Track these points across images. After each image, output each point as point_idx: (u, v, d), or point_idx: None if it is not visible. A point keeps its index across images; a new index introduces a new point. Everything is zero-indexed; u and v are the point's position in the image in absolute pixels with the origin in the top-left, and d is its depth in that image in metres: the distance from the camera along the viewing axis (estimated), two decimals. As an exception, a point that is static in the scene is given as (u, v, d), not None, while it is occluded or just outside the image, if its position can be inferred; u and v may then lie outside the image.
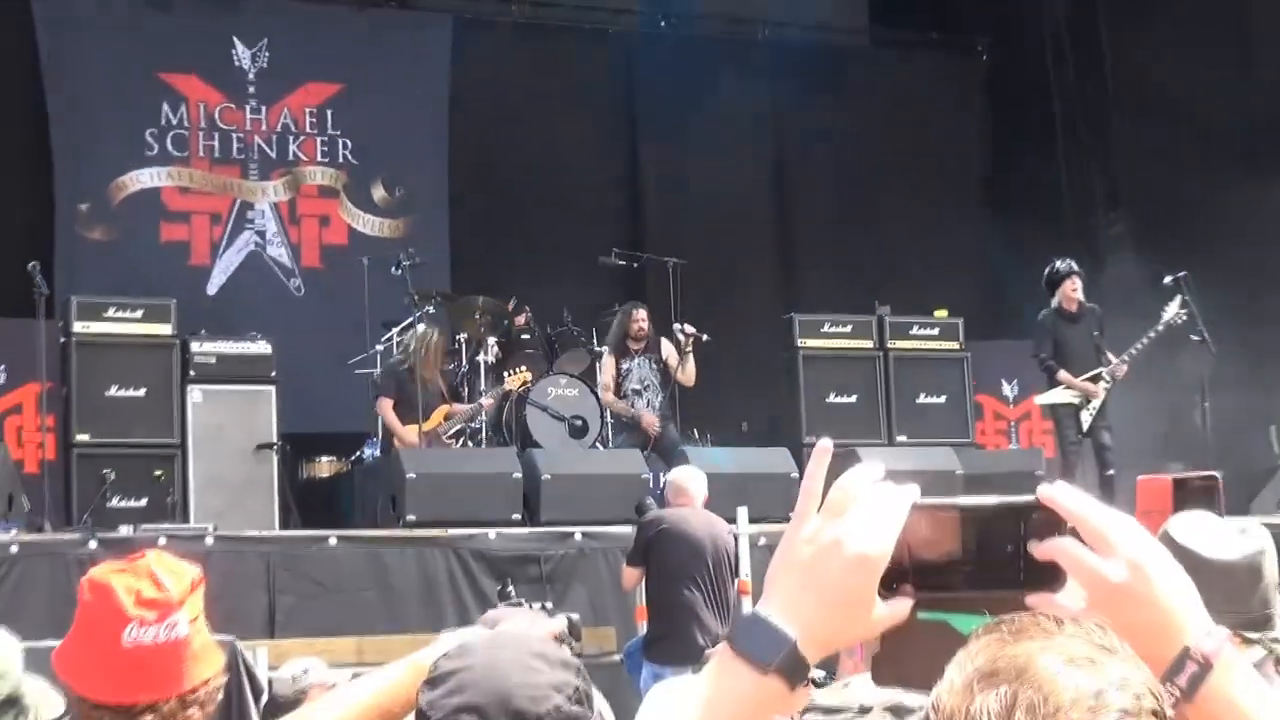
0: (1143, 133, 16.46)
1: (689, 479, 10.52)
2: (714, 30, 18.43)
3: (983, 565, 1.64)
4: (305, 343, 15.00)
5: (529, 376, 13.65)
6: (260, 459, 12.69)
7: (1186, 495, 1.76)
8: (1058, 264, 13.95)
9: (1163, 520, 1.75)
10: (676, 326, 14.03)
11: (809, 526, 1.66)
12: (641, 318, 14.02)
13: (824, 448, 1.70)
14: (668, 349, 14.06)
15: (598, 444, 13.77)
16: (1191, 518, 2.08)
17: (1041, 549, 1.63)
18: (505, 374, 13.63)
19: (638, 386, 14.01)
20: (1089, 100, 17.33)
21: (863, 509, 1.64)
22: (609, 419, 14.03)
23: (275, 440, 12.82)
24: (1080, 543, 1.64)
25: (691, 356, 13.95)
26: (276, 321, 14.42)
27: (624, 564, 10.55)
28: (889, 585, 1.64)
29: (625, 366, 14.00)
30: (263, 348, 13.07)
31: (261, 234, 16.71)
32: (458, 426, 13.45)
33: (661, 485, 11.85)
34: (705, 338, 13.97)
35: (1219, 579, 2.22)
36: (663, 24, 18.50)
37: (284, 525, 12.46)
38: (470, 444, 13.53)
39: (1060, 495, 1.65)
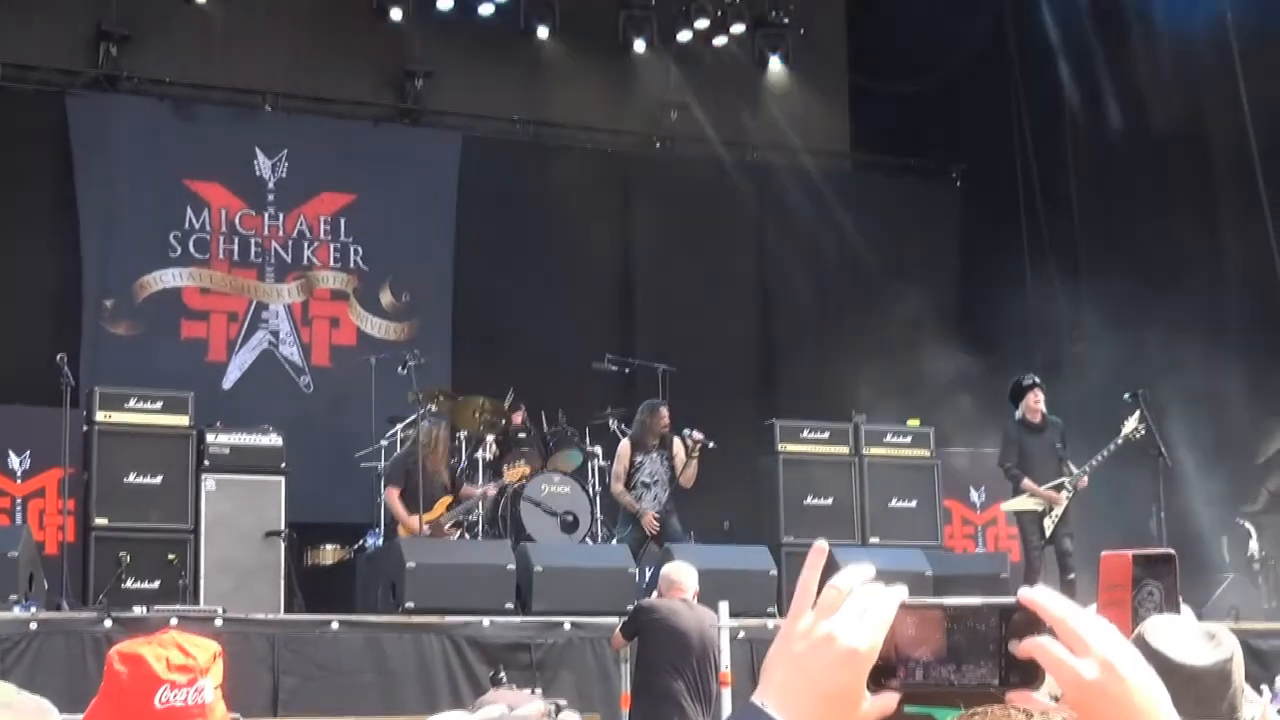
0: (1107, 259, 16.55)
1: (681, 573, 10.51)
2: (705, 151, 18.55)
3: (966, 662, 1.65)
4: (313, 437, 15.03)
5: (528, 470, 13.71)
6: (268, 545, 12.70)
7: (1146, 570, 1.77)
8: (1022, 378, 14.02)
9: (1124, 594, 1.75)
10: (685, 432, 14.00)
11: (803, 622, 1.68)
12: (666, 415, 14.03)
13: (820, 549, 1.73)
14: (678, 447, 14.05)
15: (588, 539, 13.78)
16: (1164, 621, 2.09)
17: (1021, 647, 1.64)
18: (505, 467, 13.69)
19: (648, 480, 13.98)
20: (1055, 226, 17.42)
21: (854, 607, 1.66)
22: (599, 514, 14.02)
23: (283, 528, 12.80)
24: (1058, 642, 1.65)
25: (695, 461, 13.93)
26: (287, 416, 14.43)
27: (617, 629, 10.58)
28: (877, 680, 1.66)
29: (639, 460, 13.94)
30: (274, 440, 13.11)
31: (275, 333, 16.77)
32: (459, 516, 13.41)
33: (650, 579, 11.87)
34: (711, 444, 13.95)
35: (1190, 683, 2.22)
36: (658, 145, 18.67)
37: (289, 609, 12.44)
38: (467, 536, 13.50)
39: (1041, 598, 1.65)
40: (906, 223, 17.18)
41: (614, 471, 14.00)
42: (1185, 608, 1.84)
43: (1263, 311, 15.73)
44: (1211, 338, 15.06)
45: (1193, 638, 2.42)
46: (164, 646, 3.25)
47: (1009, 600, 1.65)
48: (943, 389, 16.13)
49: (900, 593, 1.66)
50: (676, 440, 14.03)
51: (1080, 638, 1.65)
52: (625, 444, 14.09)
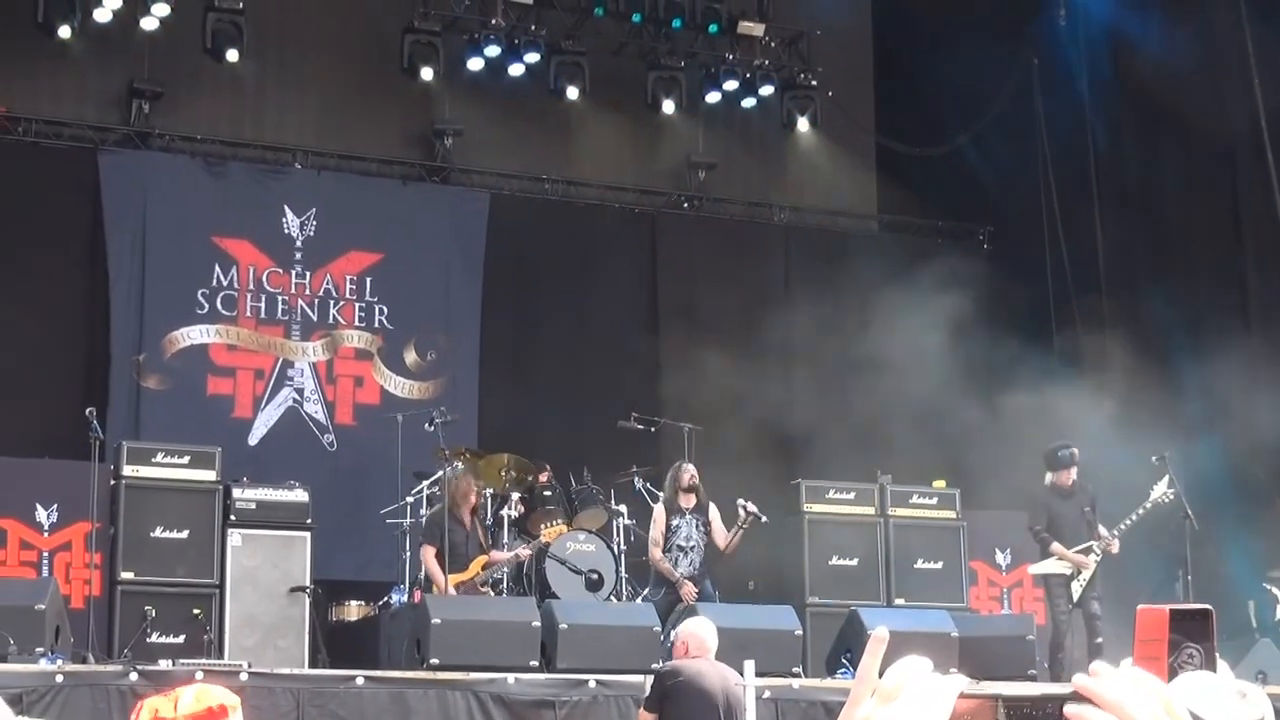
0: (1135, 318, 16.59)
1: (709, 632, 10.42)
2: (733, 212, 18.65)
3: None
4: (338, 494, 15.11)
5: (564, 529, 13.77)
6: (293, 601, 12.76)
7: (1182, 625, 1.76)
8: (1059, 448, 13.97)
9: (1160, 649, 1.77)
10: (740, 502, 13.92)
11: (863, 710, 1.67)
12: (691, 470, 13.99)
13: (880, 637, 1.70)
14: (714, 513, 14.00)
15: (612, 597, 13.82)
16: (1195, 679, 2.07)
17: (1071, 711, 1.63)
18: (543, 526, 13.75)
19: (683, 544, 13.90)
20: (1082, 286, 17.50)
21: (914, 696, 1.64)
22: (624, 572, 14.03)
23: (308, 584, 12.85)
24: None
25: (743, 533, 13.86)
26: (311, 473, 14.49)
27: (640, 709, 10.47)
28: None
29: (674, 523, 13.92)
30: (300, 495, 13.19)
31: (300, 391, 16.84)
32: (493, 576, 13.44)
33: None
34: (764, 519, 13.90)
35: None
36: (686, 205, 18.77)
37: (314, 665, 12.50)
38: (493, 594, 13.51)
39: (1096, 686, 1.63)
40: (933, 284, 17.13)
41: (651, 537, 13.95)
42: (1222, 664, 1.83)
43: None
44: (1239, 397, 15.04)
45: (1225, 696, 2.40)
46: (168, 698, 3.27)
47: (1067, 689, 1.65)
48: (969, 450, 16.11)
49: (960, 682, 1.66)
50: (713, 506, 14.00)
51: None
52: (660, 509, 14.04)
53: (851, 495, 15.07)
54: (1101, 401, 16.47)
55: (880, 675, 1.67)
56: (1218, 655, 1.82)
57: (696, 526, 13.94)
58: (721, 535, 13.90)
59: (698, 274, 17.56)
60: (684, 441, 14.91)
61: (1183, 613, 1.79)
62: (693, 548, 13.91)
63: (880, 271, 17.49)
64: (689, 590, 13.69)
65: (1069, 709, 1.64)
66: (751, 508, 13.82)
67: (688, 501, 13.98)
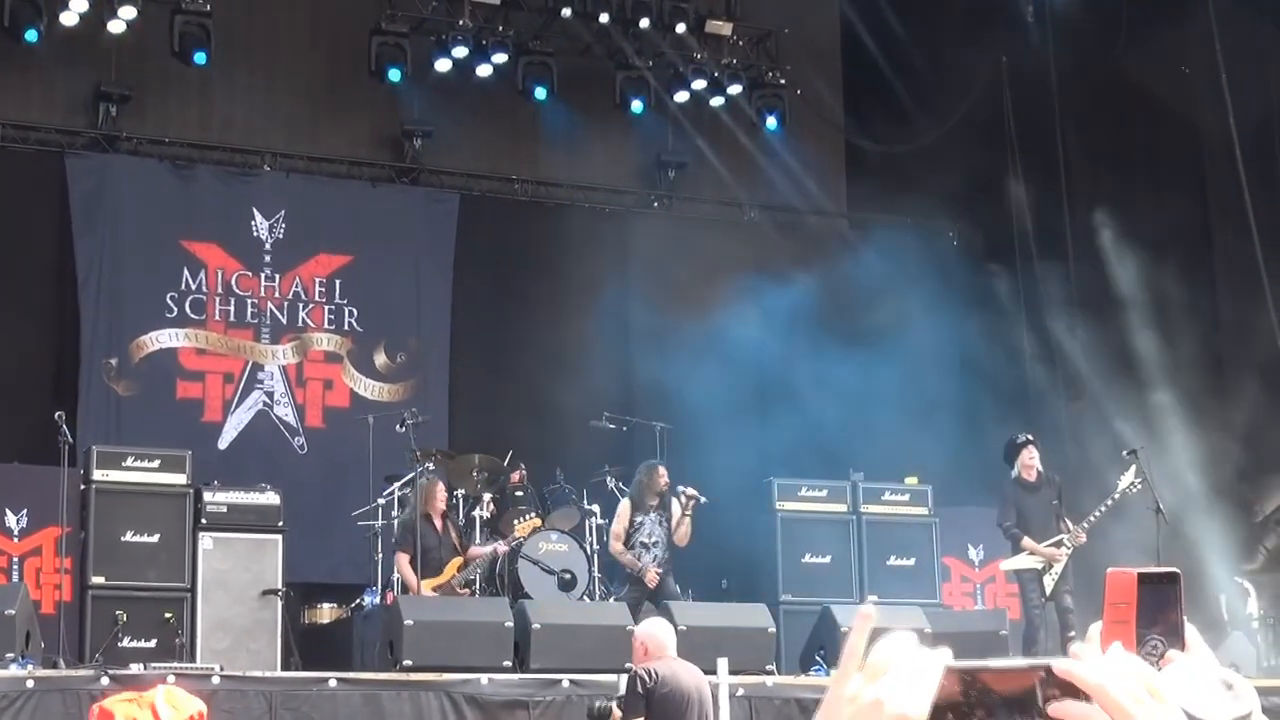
0: (1104, 315, 16.68)
1: (662, 632, 10.30)
2: (702, 211, 18.71)
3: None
4: (309, 497, 15.08)
5: (538, 523, 13.81)
6: (265, 604, 12.73)
7: (1150, 588, 1.77)
8: (1015, 436, 14.10)
9: (1129, 611, 1.78)
10: (679, 489, 14.08)
11: (850, 686, 1.64)
12: (665, 475, 14.13)
13: (866, 613, 1.69)
14: (675, 508, 14.10)
15: (585, 597, 13.83)
16: (1181, 672, 2.03)
17: (1055, 709, 1.61)
18: (516, 522, 13.74)
19: (647, 541, 14.02)
20: (1051, 284, 17.51)
21: (901, 671, 1.61)
22: (597, 572, 14.05)
23: (280, 587, 12.83)
24: (1094, 707, 1.61)
25: (690, 519, 13.98)
26: (282, 477, 14.45)
27: (615, 710, 10.44)
28: None
29: (638, 520, 14.01)
30: (271, 498, 13.17)
31: (270, 394, 16.83)
32: (470, 576, 13.44)
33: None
34: (704, 500, 14.02)
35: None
36: (655, 204, 18.79)
37: (286, 668, 12.47)
38: (466, 593, 13.54)
39: (1078, 669, 1.61)
40: (904, 282, 17.23)
41: (613, 530, 14.09)
42: (1205, 649, 1.83)
43: (1259, 365, 15.82)
44: (1209, 393, 15.13)
45: (1211, 690, 2.37)
46: (141, 706, 3.28)
47: (1038, 661, 1.62)
48: (941, 446, 16.20)
49: (945, 656, 1.64)
50: (674, 501, 14.08)
51: (1123, 708, 1.62)
52: (625, 504, 14.17)
53: (824, 492, 15.15)
54: (1073, 398, 16.59)
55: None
56: (1191, 626, 1.82)
57: (660, 523, 14.06)
58: (680, 532, 14.06)
59: (668, 273, 17.53)
60: (656, 440, 14.99)
61: (1152, 575, 1.79)
62: (656, 544, 14.02)
63: (851, 269, 17.59)
64: (652, 574, 13.82)
65: (1054, 709, 1.62)
66: (691, 492, 13.99)
67: (655, 500, 14.10)
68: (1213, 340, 16.50)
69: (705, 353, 16.67)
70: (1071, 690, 1.62)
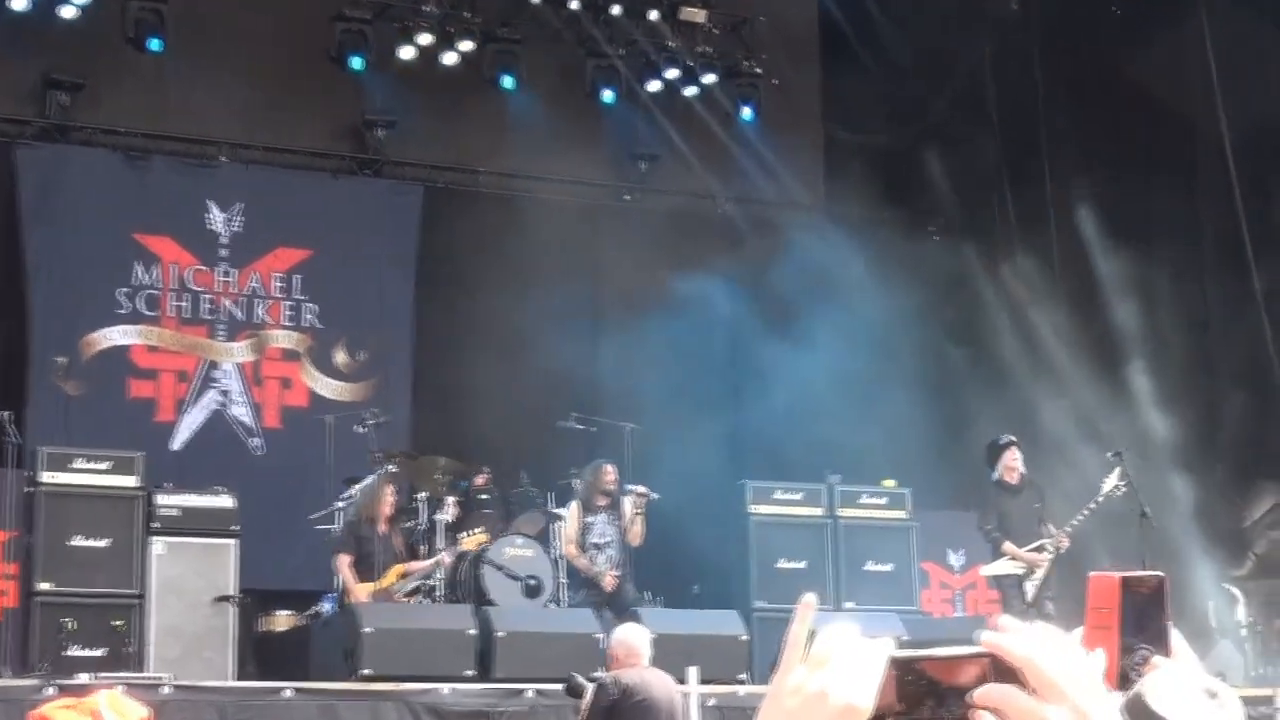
0: (1087, 318, 16.73)
1: (640, 638, 10.33)
2: (676, 204, 18.71)
3: (955, 711, 1.66)
4: (266, 500, 14.98)
5: (486, 539, 13.76)
6: (219, 611, 12.66)
7: (1134, 593, 1.76)
8: (998, 437, 14.13)
9: (1111, 616, 1.78)
10: (628, 487, 14.13)
11: (794, 677, 1.68)
12: (612, 472, 14.23)
13: (808, 603, 1.74)
14: (626, 507, 14.15)
15: (551, 603, 13.82)
16: (1164, 680, 2.02)
17: (979, 696, 1.64)
18: (461, 535, 13.77)
19: (599, 541, 14.14)
20: (1037, 281, 17.61)
21: (845, 661, 1.65)
22: (563, 578, 14.05)
23: (235, 593, 12.77)
24: (1022, 691, 1.63)
25: (641, 517, 14.02)
26: (237, 479, 14.28)
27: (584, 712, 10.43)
28: None
29: (589, 521, 14.08)
30: (225, 501, 13.11)
31: (226, 393, 16.76)
32: (414, 584, 13.42)
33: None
34: (655, 496, 14.06)
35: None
36: (626, 197, 18.74)
37: (241, 677, 12.42)
38: (426, 600, 13.54)
39: (1004, 641, 1.64)
40: (883, 278, 17.22)
41: (564, 534, 14.17)
42: (1190, 656, 1.85)
43: (1247, 366, 15.86)
44: (1196, 398, 15.17)
45: (1194, 698, 2.36)
46: (82, 713, 3.24)
47: (982, 633, 1.67)
48: (920, 448, 16.22)
49: (888, 645, 1.68)
50: (626, 500, 14.10)
51: (1052, 682, 1.63)
52: (574, 506, 14.27)
53: (799, 496, 15.14)
54: (1056, 398, 16.61)
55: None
56: (1176, 633, 1.83)
57: (612, 523, 14.15)
58: (633, 532, 14.14)
59: (640, 268, 17.47)
60: (625, 441, 14.98)
61: (1136, 580, 1.81)
62: (609, 544, 14.13)
63: (827, 264, 17.45)
64: (609, 579, 13.89)
65: (982, 693, 1.64)
66: (640, 490, 14.08)
67: (605, 500, 14.20)
68: (1201, 340, 16.50)
69: (677, 351, 16.66)
70: (1013, 675, 1.63)
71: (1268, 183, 16.27)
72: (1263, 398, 15.71)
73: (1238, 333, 16.15)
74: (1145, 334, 15.88)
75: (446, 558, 13.60)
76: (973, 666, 1.65)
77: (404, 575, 13.52)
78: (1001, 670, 1.64)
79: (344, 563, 13.42)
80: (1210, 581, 15.20)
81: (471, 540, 13.64)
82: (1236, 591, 14.92)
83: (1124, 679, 1.78)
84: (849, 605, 14.60)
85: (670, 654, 10.92)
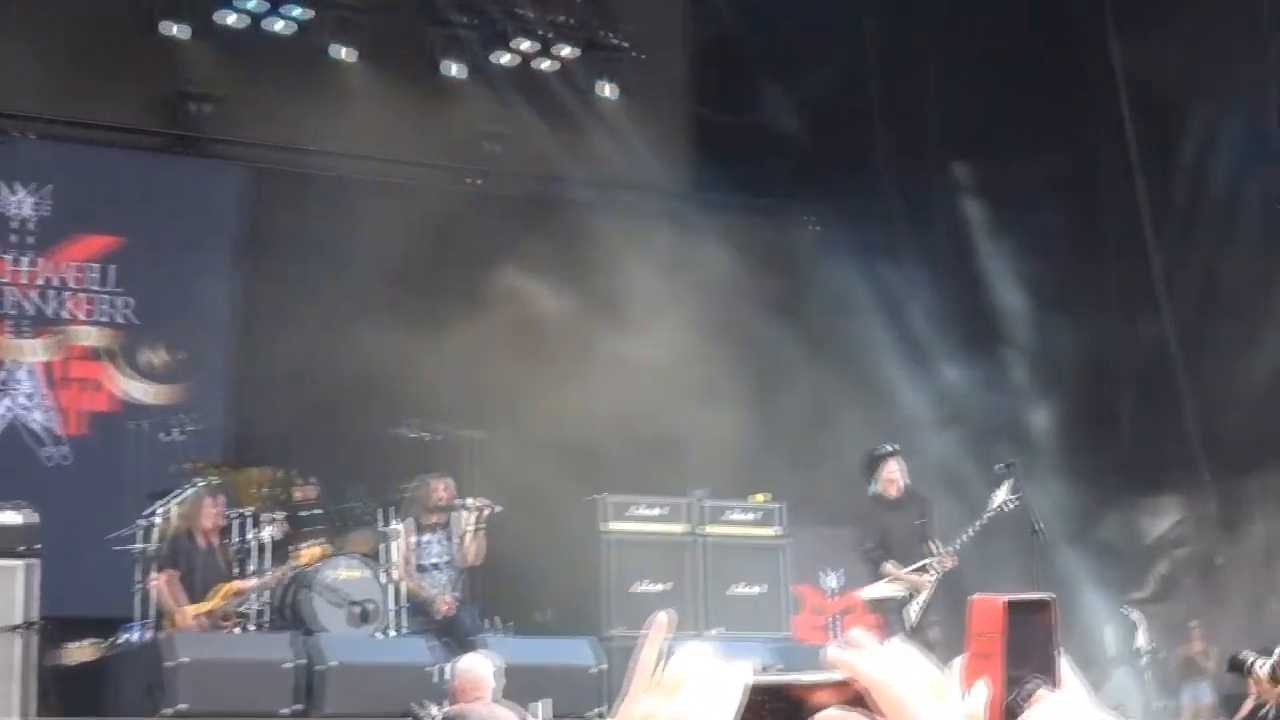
0: (974, 316, 16.74)
1: (484, 669, 10.22)
2: (527, 189, 18.60)
3: None
4: (66, 516, 14.56)
5: (326, 550, 13.69)
6: (7, 641, 12.29)
7: (1021, 617, 1.66)
8: (876, 447, 14.03)
9: (995, 643, 1.71)
10: (465, 501, 14.06)
11: (643, 705, 1.66)
12: (443, 488, 14.20)
13: (661, 622, 1.73)
14: (463, 522, 14.03)
15: (385, 631, 13.74)
16: (1054, 714, 2.03)
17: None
18: (294, 548, 13.66)
19: (435, 562, 14.07)
20: (922, 275, 17.74)
21: (699, 687, 1.65)
22: (399, 603, 13.88)
23: (30, 619, 12.41)
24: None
25: (481, 533, 13.90)
26: (34, 492, 13.83)
27: None
28: None
29: (421, 540, 14.01)
30: (19, 518, 12.75)
31: (24, 397, 16.42)
32: (243, 607, 13.26)
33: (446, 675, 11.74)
34: (497, 509, 13.98)
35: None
36: (473, 181, 18.54)
37: (42, 713, 12.11)
38: (247, 628, 13.39)
39: (854, 660, 1.66)
40: (754, 269, 17.18)
41: (394, 557, 14.07)
42: (1068, 663, 1.76)
43: (1144, 373, 15.97)
44: (1090, 402, 15.24)
45: None
46: None
47: (829, 648, 1.70)
48: (793, 459, 16.21)
49: (746, 670, 1.67)
50: (463, 515, 13.98)
51: (899, 703, 1.64)
52: (404, 525, 14.16)
53: (660, 511, 15.13)
54: (941, 406, 16.60)
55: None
56: (1067, 660, 1.80)
57: (447, 542, 14.05)
58: (470, 550, 14.05)
59: (486, 260, 17.29)
60: (469, 451, 15.09)
61: (1022, 603, 1.78)
62: (446, 564, 14.06)
63: (695, 256, 17.47)
64: (444, 602, 13.77)
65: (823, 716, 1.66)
66: (478, 502, 14.01)
67: (437, 517, 14.13)
68: (1096, 344, 16.59)
69: (528, 352, 16.56)
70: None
71: (1169, 163, 16.31)
72: (1160, 403, 15.79)
73: (1135, 334, 16.24)
74: (1035, 334, 15.90)
75: (279, 572, 13.51)
76: (837, 691, 1.66)
77: (237, 594, 13.39)
78: (858, 697, 1.66)
79: (161, 581, 13.19)
80: (1106, 604, 15.23)
81: (308, 553, 13.52)
82: (1136, 616, 14.97)
83: (1010, 713, 1.74)
84: (714, 632, 14.48)
85: (518, 686, 10.88)
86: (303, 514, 14.53)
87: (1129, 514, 15.99)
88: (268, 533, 14.02)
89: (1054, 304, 16.42)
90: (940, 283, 17.49)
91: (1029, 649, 1.79)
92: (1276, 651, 8.74)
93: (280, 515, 14.29)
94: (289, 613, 13.61)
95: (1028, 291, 16.33)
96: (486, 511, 14.09)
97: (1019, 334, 16.09)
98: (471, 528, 14.08)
